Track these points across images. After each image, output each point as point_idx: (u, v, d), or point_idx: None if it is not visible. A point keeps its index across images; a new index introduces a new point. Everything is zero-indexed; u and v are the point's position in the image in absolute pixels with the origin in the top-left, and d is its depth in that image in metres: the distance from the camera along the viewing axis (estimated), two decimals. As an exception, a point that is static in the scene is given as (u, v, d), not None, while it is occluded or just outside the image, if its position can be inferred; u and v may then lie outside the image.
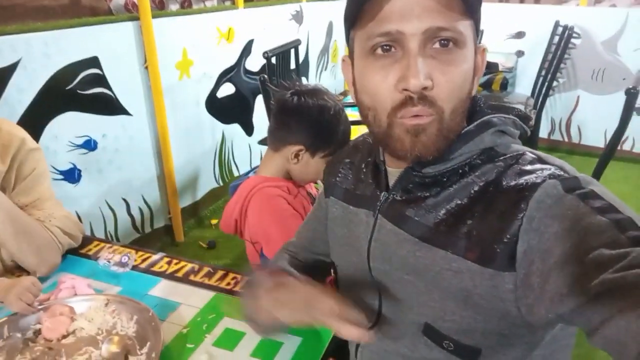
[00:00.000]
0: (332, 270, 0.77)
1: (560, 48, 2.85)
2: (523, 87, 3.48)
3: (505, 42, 3.53)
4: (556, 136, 3.61)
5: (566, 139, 3.59)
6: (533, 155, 0.57)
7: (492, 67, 3.23)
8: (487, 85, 3.67)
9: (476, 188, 0.57)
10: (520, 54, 3.52)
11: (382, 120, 0.57)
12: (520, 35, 3.50)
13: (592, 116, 3.42)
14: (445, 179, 0.59)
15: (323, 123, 1.06)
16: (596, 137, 3.40)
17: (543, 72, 3.09)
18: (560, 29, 3.05)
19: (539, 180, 0.52)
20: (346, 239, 0.71)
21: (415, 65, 0.52)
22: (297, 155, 1.08)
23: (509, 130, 0.61)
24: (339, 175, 0.75)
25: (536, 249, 0.50)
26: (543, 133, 3.57)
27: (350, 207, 0.71)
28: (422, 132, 0.55)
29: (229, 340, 0.83)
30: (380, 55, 0.54)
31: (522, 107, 3.05)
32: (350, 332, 0.52)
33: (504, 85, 3.61)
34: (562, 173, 0.53)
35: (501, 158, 0.58)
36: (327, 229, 0.77)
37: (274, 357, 0.79)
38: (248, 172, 1.21)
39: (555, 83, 3.28)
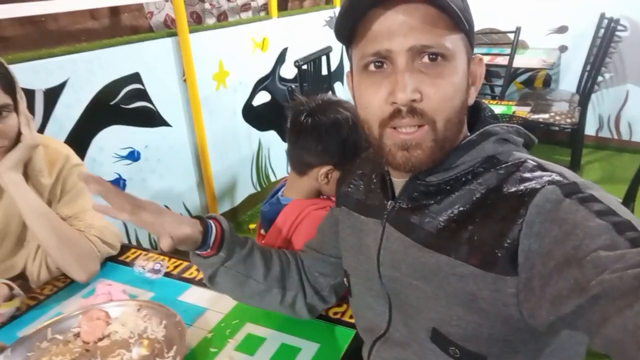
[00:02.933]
0: (345, 279, 0.79)
1: (605, 41, 2.72)
2: (567, 84, 3.35)
3: (546, 38, 3.40)
4: (604, 133, 3.45)
5: (615, 136, 3.42)
6: (534, 163, 0.58)
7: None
8: (529, 83, 3.56)
9: (478, 195, 0.58)
10: (563, 49, 3.39)
11: (375, 132, 0.60)
12: (562, 29, 3.37)
13: (644, 112, 3.24)
14: (448, 187, 0.61)
15: (344, 137, 1.01)
16: (648, 133, 3.22)
17: (588, 68, 2.96)
18: (605, 22, 2.91)
19: (538, 186, 0.53)
20: (358, 248, 0.73)
21: (402, 80, 0.55)
22: (327, 176, 1.03)
23: (511, 139, 0.62)
24: (351, 186, 0.78)
25: (537, 252, 0.51)
26: (590, 130, 3.42)
27: (362, 217, 0.73)
28: (415, 147, 0.57)
29: (250, 345, 0.86)
30: (373, 71, 0.58)
31: (566, 105, 2.93)
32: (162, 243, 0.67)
33: (547, 82, 3.50)
34: (561, 179, 0.54)
35: (503, 165, 0.59)
36: (338, 237, 0.80)
37: (292, 362, 0.83)
38: (273, 195, 1.13)
39: (600, 78, 3.13)
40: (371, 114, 0.59)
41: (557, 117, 2.82)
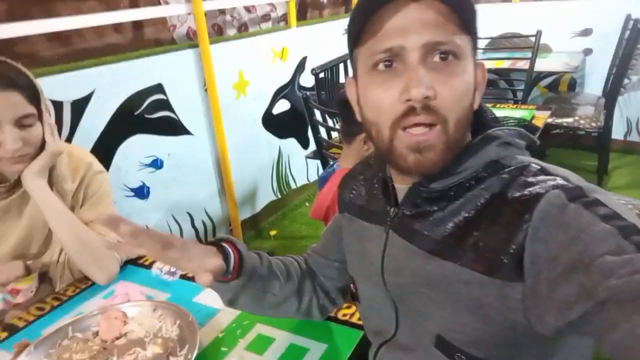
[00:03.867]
0: (351, 285, 0.80)
1: (631, 43, 2.66)
2: (592, 87, 3.28)
3: (570, 41, 3.34)
4: (633, 137, 3.34)
5: (645, 140, 3.32)
6: (537, 167, 0.57)
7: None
8: (553, 87, 3.49)
9: (482, 201, 0.58)
10: (588, 52, 3.32)
11: (385, 134, 0.58)
12: (587, 32, 3.30)
13: (673, 114, 3.13)
14: (452, 193, 0.60)
15: None
16: (680, 137, 3.12)
17: (614, 70, 2.89)
18: (631, 23, 2.84)
19: (543, 191, 0.53)
20: (361, 254, 0.74)
21: (416, 76, 0.54)
22: (366, 142, 1.25)
23: (514, 142, 0.61)
24: (353, 192, 0.78)
25: (543, 258, 0.50)
26: (618, 134, 3.32)
27: (365, 223, 0.73)
28: (428, 149, 0.56)
29: (260, 345, 0.88)
30: (382, 70, 0.57)
31: (591, 109, 2.87)
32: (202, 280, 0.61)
33: (572, 86, 3.43)
34: (565, 183, 0.53)
35: (506, 170, 0.58)
36: (342, 241, 0.81)
37: (301, 362, 0.84)
38: (332, 164, 1.41)
39: (627, 81, 3.05)
40: (382, 115, 0.57)
41: (582, 121, 2.76)
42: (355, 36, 0.59)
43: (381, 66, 0.57)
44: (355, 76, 0.64)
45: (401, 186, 0.66)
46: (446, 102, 0.55)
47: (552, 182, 0.53)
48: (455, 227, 0.58)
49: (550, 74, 3.41)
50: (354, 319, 0.93)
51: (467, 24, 0.56)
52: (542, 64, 3.01)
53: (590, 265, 0.45)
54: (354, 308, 0.96)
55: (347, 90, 0.68)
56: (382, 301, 0.70)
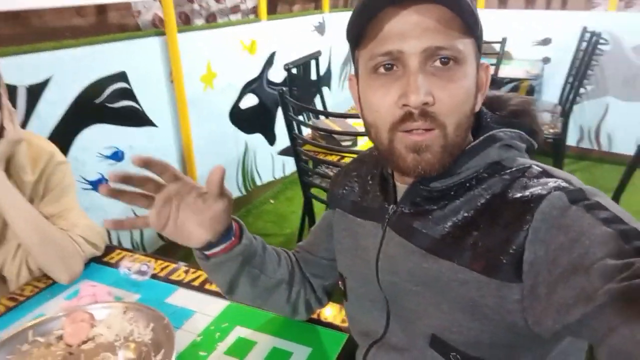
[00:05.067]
0: (339, 282, 0.78)
1: (587, 54, 2.79)
2: (550, 95, 3.42)
3: (531, 49, 3.47)
4: (585, 144, 3.52)
5: (596, 147, 3.50)
6: (539, 169, 0.58)
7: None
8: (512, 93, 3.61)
9: (482, 201, 0.58)
10: (546, 60, 3.46)
11: (384, 136, 0.58)
12: (546, 41, 3.44)
13: (623, 124, 3.32)
14: (452, 193, 0.60)
15: None
16: (627, 145, 3.29)
17: (570, 80, 3.02)
18: (587, 35, 2.98)
19: (544, 192, 0.53)
20: (354, 250, 0.72)
21: (415, 82, 0.53)
22: None
23: (515, 144, 0.62)
24: (346, 187, 0.77)
25: (543, 259, 0.50)
26: (572, 141, 3.49)
27: (357, 219, 0.72)
28: (425, 149, 0.56)
29: (241, 349, 0.84)
30: (382, 73, 0.56)
31: (549, 115, 2.99)
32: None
33: (530, 93, 3.55)
34: (567, 185, 0.53)
35: (507, 171, 0.58)
36: (331, 238, 0.79)
37: (284, 366, 0.81)
38: None
39: (582, 90, 3.21)
40: (381, 118, 0.58)
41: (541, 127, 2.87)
42: (356, 38, 0.58)
43: (381, 69, 0.56)
44: (356, 74, 0.63)
45: (401, 184, 0.66)
46: (445, 108, 0.55)
47: (554, 184, 0.54)
48: (454, 226, 0.58)
49: (511, 80, 3.52)
50: (337, 321, 0.91)
51: (470, 27, 0.55)
52: (504, 71, 3.12)
53: (590, 269, 0.45)
54: (337, 309, 0.93)
55: (349, 87, 0.67)
56: (374, 300, 0.69)
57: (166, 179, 0.63)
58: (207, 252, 0.71)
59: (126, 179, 0.60)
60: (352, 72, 0.66)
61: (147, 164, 0.60)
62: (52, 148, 1.11)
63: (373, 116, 0.59)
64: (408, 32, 0.53)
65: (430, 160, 0.57)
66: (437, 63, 0.54)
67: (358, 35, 0.58)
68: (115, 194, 0.61)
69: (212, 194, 0.64)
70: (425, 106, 0.54)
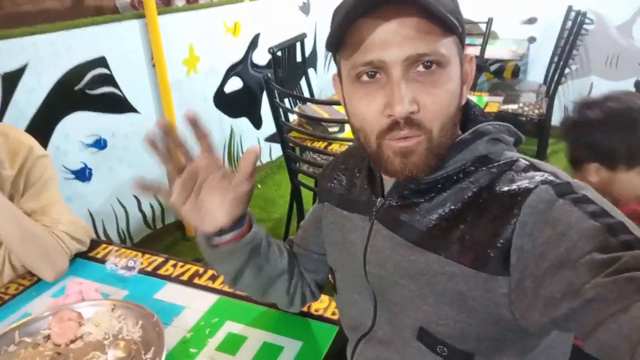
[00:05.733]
0: (330, 275, 0.78)
1: (572, 34, 2.79)
2: (535, 75, 3.43)
3: (517, 28, 3.46)
4: (570, 124, 3.55)
5: (580, 127, 3.53)
6: (526, 162, 0.58)
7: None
8: (498, 73, 3.61)
9: (469, 193, 0.58)
10: (532, 40, 3.45)
11: (372, 141, 0.58)
12: (532, 21, 3.43)
13: (606, 103, 3.35)
14: (439, 185, 0.60)
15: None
16: (611, 124, 3.34)
17: (555, 59, 3.03)
18: (573, 14, 2.98)
19: (531, 186, 0.53)
20: (341, 244, 0.72)
21: (399, 92, 0.53)
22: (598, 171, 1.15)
23: (503, 138, 0.62)
24: (334, 181, 0.77)
25: (530, 253, 0.51)
26: (556, 120, 3.51)
27: (345, 213, 0.72)
28: (411, 153, 0.56)
29: (231, 344, 0.84)
30: (366, 81, 0.56)
31: (533, 95, 3.00)
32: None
33: (516, 73, 3.56)
34: (554, 179, 0.54)
35: (495, 164, 0.59)
36: (321, 232, 0.79)
37: (275, 361, 0.81)
38: None
39: (567, 70, 3.22)
40: (368, 126, 0.57)
41: (526, 108, 2.89)
42: (336, 44, 0.57)
43: (364, 77, 0.56)
44: (340, 76, 0.62)
45: (389, 177, 0.65)
46: (430, 114, 0.55)
47: (541, 178, 0.54)
48: (441, 218, 0.59)
49: (496, 60, 3.51)
50: (328, 314, 0.91)
51: (451, 27, 0.53)
52: (490, 51, 3.10)
53: (577, 263, 0.45)
54: (327, 302, 0.94)
55: (333, 85, 0.66)
56: (362, 292, 0.69)
57: (202, 146, 0.61)
58: (216, 240, 0.68)
59: (192, 122, 0.58)
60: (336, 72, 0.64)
61: (194, 122, 0.58)
62: (31, 141, 1.08)
63: (360, 123, 0.59)
64: (389, 40, 0.52)
65: (416, 163, 0.57)
66: (420, 68, 0.54)
67: (337, 43, 0.57)
68: (157, 146, 0.60)
69: (243, 172, 0.62)
70: (411, 115, 0.54)
